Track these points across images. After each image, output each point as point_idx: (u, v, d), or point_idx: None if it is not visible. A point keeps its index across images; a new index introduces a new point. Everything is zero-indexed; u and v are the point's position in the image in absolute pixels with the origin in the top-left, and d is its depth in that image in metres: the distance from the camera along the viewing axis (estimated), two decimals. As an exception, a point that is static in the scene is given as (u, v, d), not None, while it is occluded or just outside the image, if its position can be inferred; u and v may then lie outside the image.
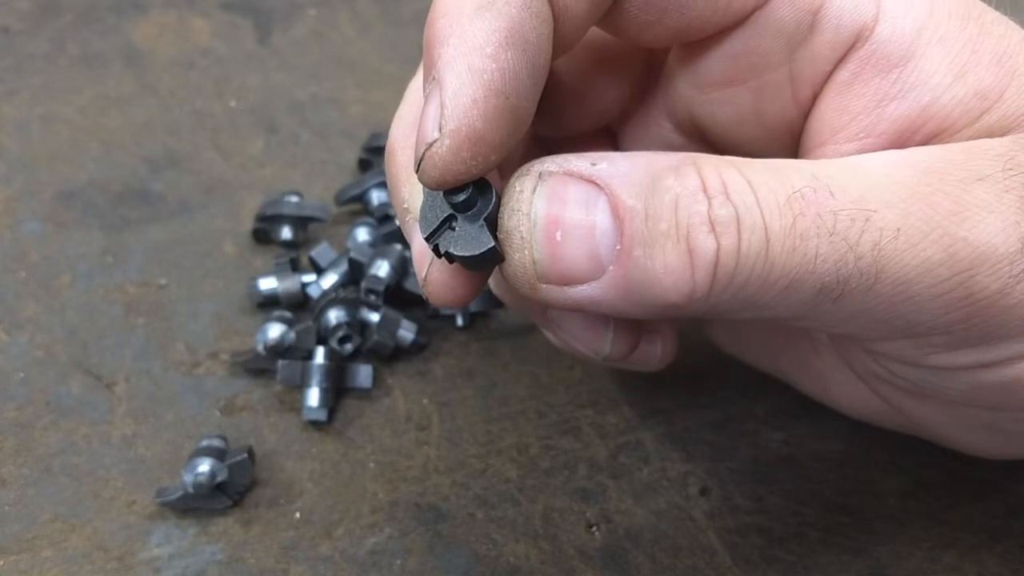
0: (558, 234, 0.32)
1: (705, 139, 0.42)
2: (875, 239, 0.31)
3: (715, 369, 0.54)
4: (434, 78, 0.31)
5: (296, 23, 0.79)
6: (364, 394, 0.54)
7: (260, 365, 0.54)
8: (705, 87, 0.39)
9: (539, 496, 0.49)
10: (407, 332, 0.55)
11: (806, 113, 0.38)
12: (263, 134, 0.69)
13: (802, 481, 0.50)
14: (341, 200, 0.63)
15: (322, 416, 0.51)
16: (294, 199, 0.61)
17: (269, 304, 0.57)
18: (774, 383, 0.50)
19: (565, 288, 0.32)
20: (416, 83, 0.39)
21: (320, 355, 0.53)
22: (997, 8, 0.37)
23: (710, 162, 0.32)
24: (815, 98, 0.37)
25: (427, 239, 0.33)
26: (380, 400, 0.53)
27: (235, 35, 0.77)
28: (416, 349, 0.55)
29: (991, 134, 0.35)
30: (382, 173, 0.62)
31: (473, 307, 0.56)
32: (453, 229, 0.33)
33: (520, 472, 0.50)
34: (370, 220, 0.61)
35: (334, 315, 0.54)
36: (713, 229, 0.31)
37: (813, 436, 0.51)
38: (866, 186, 0.32)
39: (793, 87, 0.37)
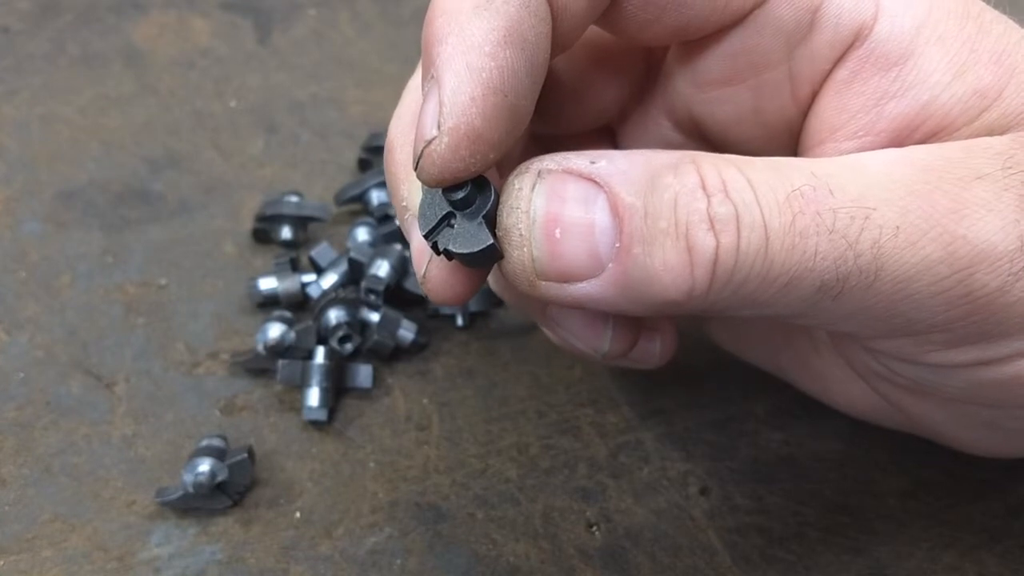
0: (557, 231, 0.32)
1: (704, 138, 0.42)
2: (874, 237, 0.31)
3: (715, 369, 0.54)
4: (433, 76, 0.31)
5: (296, 23, 0.79)
6: (364, 394, 0.54)
7: (260, 365, 0.54)
8: (704, 86, 0.39)
9: (539, 496, 0.49)
10: (407, 332, 0.55)
11: (805, 111, 0.38)
12: (263, 134, 0.69)
13: (802, 481, 0.49)
14: (341, 200, 0.63)
15: (322, 416, 0.51)
16: (294, 199, 0.61)
17: (269, 304, 0.57)
18: (774, 383, 0.50)
19: (564, 285, 0.32)
20: (415, 81, 0.39)
21: (320, 355, 0.53)
22: (996, 7, 0.37)
23: (709, 160, 0.32)
24: (814, 96, 0.37)
25: (426, 236, 0.33)
26: (380, 400, 0.53)
27: (235, 35, 0.77)
28: (416, 349, 0.55)
29: (990, 132, 0.35)
30: (382, 173, 0.62)
31: (473, 307, 0.56)
32: (452, 227, 0.33)
33: (520, 472, 0.50)
34: (370, 220, 0.61)
35: (334, 315, 0.54)
36: (712, 227, 0.31)
37: (813, 436, 0.51)
38: (865, 184, 0.32)
39: (792, 85, 0.37)
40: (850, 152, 0.36)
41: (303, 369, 0.52)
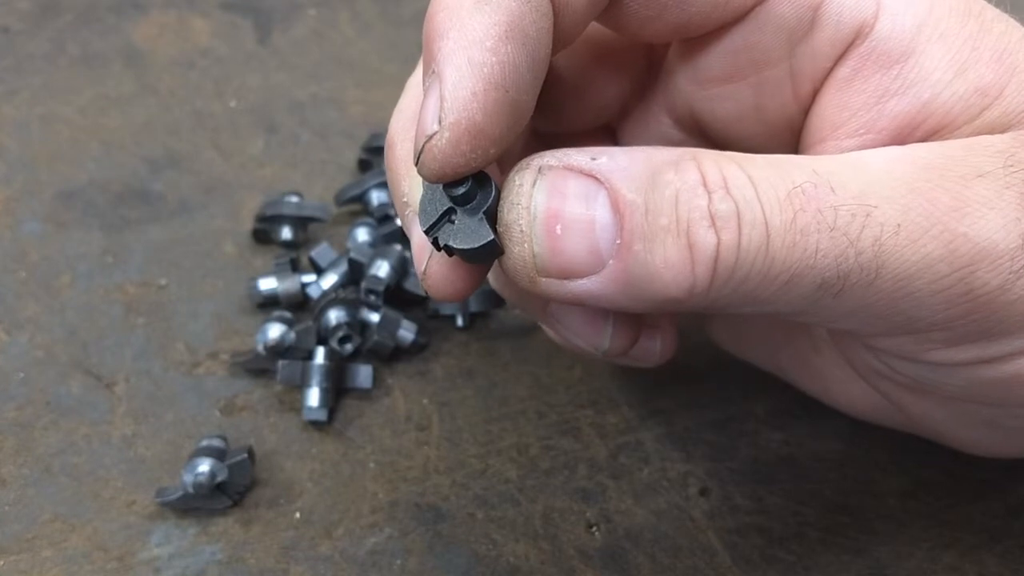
0: (558, 228, 0.32)
1: (705, 135, 0.42)
2: (875, 235, 0.31)
3: (715, 369, 0.54)
4: (434, 71, 0.31)
5: (296, 23, 0.79)
6: (364, 394, 0.54)
7: (260, 365, 0.54)
8: (705, 83, 0.39)
9: (539, 496, 0.49)
10: (407, 332, 0.54)
11: (806, 109, 0.38)
12: (263, 134, 0.69)
13: (802, 481, 0.49)
14: (341, 200, 0.63)
15: (322, 416, 0.51)
16: (294, 199, 0.61)
17: (269, 304, 0.57)
18: (774, 383, 0.50)
19: (565, 282, 0.32)
20: (416, 77, 0.39)
21: (320, 355, 0.53)
22: (997, 6, 0.37)
23: (710, 157, 0.32)
24: (815, 94, 0.37)
25: (426, 232, 0.33)
26: (380, 400, 0.53)
27: (235, 35, 0.77)
28: (416, 349, 0.55)
29: (991, 131, 0.35)
30: (382, 173, 0.62)
31: (473, 307, 0.56)
32: (452, 222, 0.33)
33: (520, 472, 0.50)
34: (370, 220, 0.61)
35: (334, 315, 0.54)
36: (713, 224, 0.31)
37: (813, 436, 0.51)
38: (867, 182, 0.32)
39: (793, 83, 0.37)
40: (851, 150, 0.36)
41: (303, 369, 0.52)
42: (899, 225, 0.31)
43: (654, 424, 0.52)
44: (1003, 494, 0.49)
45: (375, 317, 0.55)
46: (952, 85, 0.34)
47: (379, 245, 0.59)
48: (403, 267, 0.56)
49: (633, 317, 0.39)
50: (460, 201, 0.32)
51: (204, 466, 0.47)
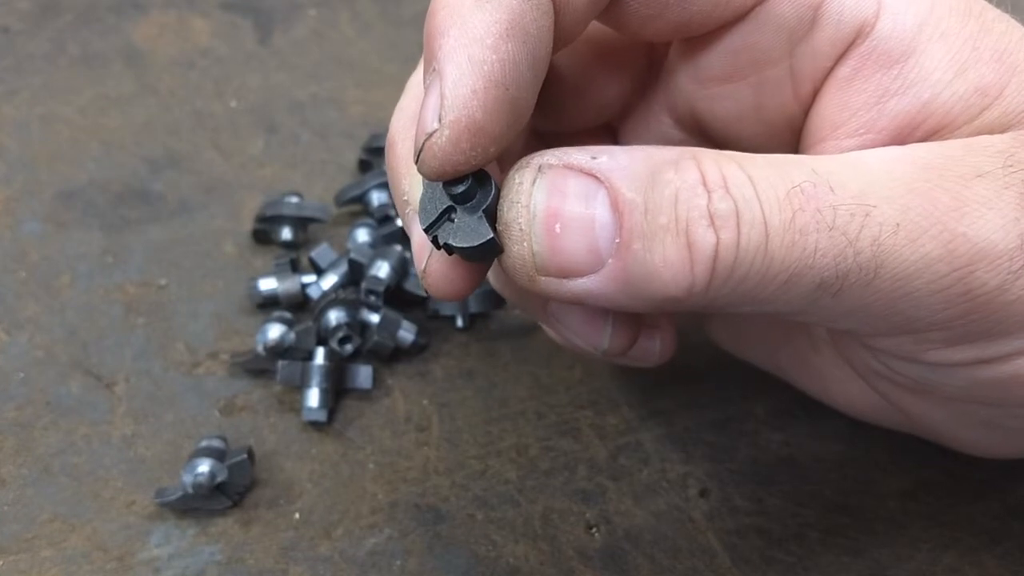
0: (557, 226, 0.32)
1: (705, 134, 0.42)
2: (874, 234, 0.31)
3: (715, 369, 0.54)
4: (434, 69, 0.31)
5: (296, 23, 0.79)
6: (364, 395, 0.54)
7: (260, 365, 0.54)
8: (705, 82, 0.39)
9: (539, 497, 0.49)
10: (407, 333, 0.54)
11: (806, 109, 0.38)
12: (263, 134, 0.69)
13: (802, 482, 0.49)
14: (341, 201, 0.63)
15: (322, 417, 0.51)
16: (294, 199, 0.61)
17: (269, 304, 0.57)
18: (774, 383, 0.50)
19: (564, 281, 0.32)
20: (417, 77, 0.39)
21: (320, 356, 0.53)
22: (997, 6, 0.37)
23: (710, 156, 0.32)
24: (815, 94, 0.37)
25: (426, 230, 0.33)
26: (380, 401, 0.53)
27: (235, 35, 0.77)
28: (416, 350, 0.55)
29: (991, 131, 0.35)
30: (382, 174, 0.62)
31: (473, 308, 0.56)
32: (452, 221, 0.33)
33: (520, 473, 0.50)
34: (370, 221, 0.61)
35: (334, 316, 0.54)
36: (712, 223, 0.31)
37: (813, 436, 0.51)
38: (866, 182, 0.32)
39: (793, 83, 0.37)
40: (851, 149, 0.36)
41: (303, 370, 0.52)
42: (898, 225, 0.31)
43: (654, 425, 0.52)
44: (1003, 495, 0.49)
45: (375, 318, 0.55)
46: (952, 85, 0.35)
47: (379, 246, 0.59)
48: (403, 268, 0.56)
49: (632, 317, 0.39)
50: (460, 199, 0.32)
51: (204, 466, 0.47)
